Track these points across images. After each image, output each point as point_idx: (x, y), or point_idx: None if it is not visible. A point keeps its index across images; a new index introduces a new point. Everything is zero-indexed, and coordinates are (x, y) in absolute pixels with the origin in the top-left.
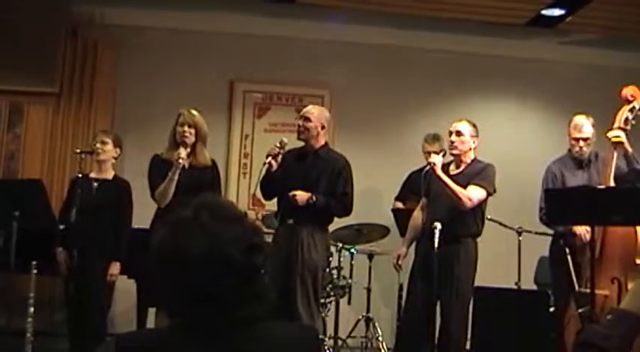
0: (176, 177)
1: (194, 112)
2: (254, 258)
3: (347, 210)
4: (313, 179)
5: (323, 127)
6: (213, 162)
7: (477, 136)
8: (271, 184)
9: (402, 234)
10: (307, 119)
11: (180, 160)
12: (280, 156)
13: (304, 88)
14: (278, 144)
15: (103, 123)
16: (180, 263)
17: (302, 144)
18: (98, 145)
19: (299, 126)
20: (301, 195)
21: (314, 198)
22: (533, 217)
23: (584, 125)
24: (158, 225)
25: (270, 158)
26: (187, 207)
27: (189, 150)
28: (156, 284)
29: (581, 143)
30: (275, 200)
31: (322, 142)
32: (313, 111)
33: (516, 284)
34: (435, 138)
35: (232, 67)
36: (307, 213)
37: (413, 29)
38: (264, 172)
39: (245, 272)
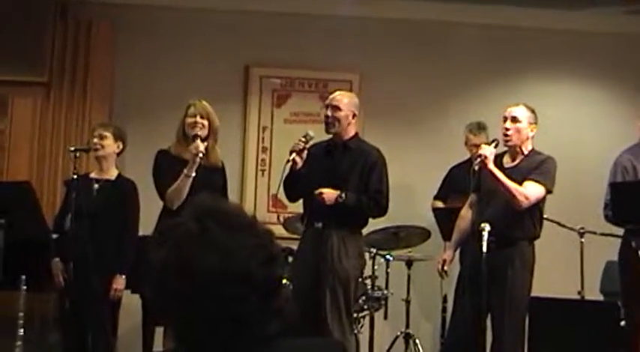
0: (193, 174)
1: (204, 103)
2: (274, 270)
3: (381, 209)
4: (342, 175)
5: (354, 116)
6: (222, 164)
7: (535, 123)
8: (296, 184)
9: (445, 236)
10: (337, 108)
11: (201, 154)
12: (305, 152)
13: (329, 72)
14: (303, 139)
15: (100, 116)
16: (192, 286)
17: (327, 135)
18: (96, 140)
19: (327, 117)
20: (329, 193)
21: (343, 195)
22: (598, 215)
23: None
24: (155, 239)
25: (294, 154)
26: (186, 216)
27: (206, 143)
28: (161, 308)
29: None
30: (300, 201)
31: (352, 133)
32: (342, 98)
33: (579, 293)
34: (481, 127)
35: (247, 49)
36: (337, 214)
37: (455, 1)
38: (287, 171)
39: (267, 287)
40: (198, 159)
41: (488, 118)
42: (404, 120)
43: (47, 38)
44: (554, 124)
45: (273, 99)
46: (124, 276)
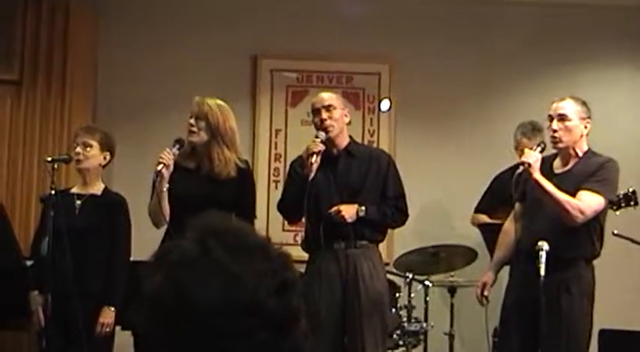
0: (164, 190)
1: (209, 101)
2: (289, 300)
3: (405, 215)
4: (355, 187)
5: (346, 115)
6: (246, 166)
7: (588, 118)
8: (308, 198)
9: None
10: (331, 107)
11: (161, 167)
12: (319, 156)
13: (353, 63)
14: (317, 139)
15: (81, 120)
16: (190, 318)
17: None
18: (79, 149)
19: (323, 120)
20: (348, 209)
21: (364, 209)
22: None
23: None
24: (149, 264)
25: (314, 157)
26: (188, 237)
27: (175, 151)
28: (154, 345)
29: None
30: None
31: (347, 137)
32: (332, 95)
33: None
34: (536, 129)
35: (256, 37)
36: (359, 230)
37: None
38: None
39: (279, 321)
40: (164, 172)
41: (541, 114)
42: (442, 118)
43: (17, 28)
44: (618, 117)
45: (287, 96)
46: (113, 309)
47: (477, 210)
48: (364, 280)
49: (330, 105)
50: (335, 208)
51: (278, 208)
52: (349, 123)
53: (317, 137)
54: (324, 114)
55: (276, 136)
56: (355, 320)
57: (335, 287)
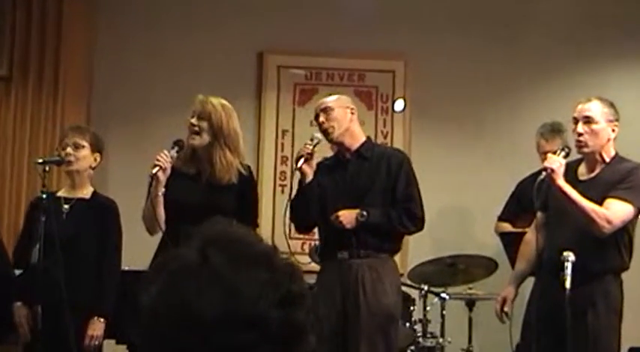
0: (159, 195)
1: (212, 100)
2: (293, 313)
3: (417, 220)
4: (363, 190)
5: (353, 112)
6: (248, 173)
7: (616, 120)
8: (307, 205)
9: None
10: (328, 109)
11: (156, 170)
12: (315, 160)
13: (366, 60)
14: (309, 142)
15: (74, 119)
16: (187, 330)
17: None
18: (69, 150)
19: (321, 124)
20: (346, 214)
21: (365, 213)
22: None
23: None
24: (149, 274)
25: (301, 160)
26: (189, 244)
27: (173, 154)
28: None
29: None
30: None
31: (362, 137)
32: (330, 98)
33: None
34: (555, 130)
35: (262, 31)
36: (364, 238)
37: None
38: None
39: (283, 334)
40: (159, 175)
41: (569, 115)
42: (460, 119)
43: (6, 22)
44: None
45: (294, 95)
46: (102, 320)
47: (501, 219)
48: (365, 293)
49: (326, 108)
50: (334, 215)
51: (290, 218)
52: (362, 124)
53: (311, 139)
54: (321, 118)
55: (282, 137)
56: (354, 337)
57: (335, 300)
